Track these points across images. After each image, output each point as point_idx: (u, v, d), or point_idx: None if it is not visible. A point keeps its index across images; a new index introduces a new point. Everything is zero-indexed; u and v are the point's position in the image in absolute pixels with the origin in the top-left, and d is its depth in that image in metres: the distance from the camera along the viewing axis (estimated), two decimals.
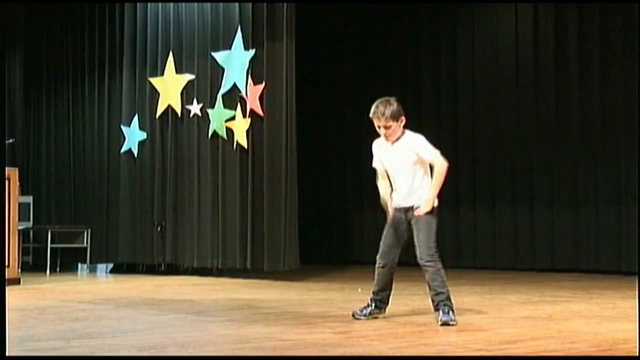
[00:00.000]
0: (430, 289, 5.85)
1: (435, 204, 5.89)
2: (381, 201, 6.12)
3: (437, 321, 5.69)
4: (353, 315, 6.05)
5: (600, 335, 5.21)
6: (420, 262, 5.85)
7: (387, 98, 5.94)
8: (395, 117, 5.86)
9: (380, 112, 5.85)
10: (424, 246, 5.82)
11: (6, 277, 6.88)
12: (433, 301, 5.84)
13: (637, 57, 8.40)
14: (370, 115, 5.91)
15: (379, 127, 5.91)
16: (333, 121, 13.69)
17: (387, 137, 5.93)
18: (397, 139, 5.92)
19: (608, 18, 10.88)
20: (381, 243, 6.04)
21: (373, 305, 6.03)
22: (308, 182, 12.94)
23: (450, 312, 5.72)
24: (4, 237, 7.73)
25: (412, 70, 12.93)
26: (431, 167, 5.94)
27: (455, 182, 11.99)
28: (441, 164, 5.86)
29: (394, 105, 5.87)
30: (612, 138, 10.84)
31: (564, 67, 11.30)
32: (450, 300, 5.79)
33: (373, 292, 6.05)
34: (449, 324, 5.62)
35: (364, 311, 6.03)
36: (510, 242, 11.74)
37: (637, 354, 4.26)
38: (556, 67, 11.39)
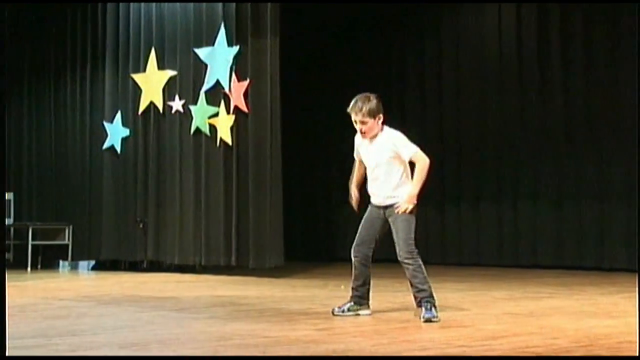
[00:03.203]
0: (412, 286, 5.85)
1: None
2: (349, 182, 6.14)
3: (420, 318, 5.70)
4: (332, 312, 6.05)
5: (581, 331, 5.24)
6: (400, 259, 5.85)
7: (367, 94, 5.92)
8: (372, 114, 5.83)
9: (358, 107, 5.84)
10: (403, 244, 5.82)
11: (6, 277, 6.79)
12: (416, 298, 5.85)
13: (638, 57, 8.40)
14: (348, 109, 5.90)
15: (355, 122, 5.89)
16: (317, 118, 13.68)
17: (362, 133, 5.91)
18: (375, 135, 5.91)
19: (590, 17, 10.92)
20: (356, 237, 6.05)
21: (352, 301, 6.03)
22: (292, 179, 12.92)
23: (433, 309, 5.72)
24: (4, 237, 7.68)
25: (397, 69, 12.94)
26: (412, 165, 5.93)
27: (440, 179, 12.03)
28: (423, 161, 5.84)
29: (372, 102, 5.85)
30: (595, 136, 10.88)
31: (548, 65, 11.34)
32: (432, 297, 5.79)
33: (352, 288, 6.05)
34: (431, 321, 5.63)
35: (342, 307, 6.03)
36: (495, 239, 11.78)
37: (637, 354, 4.27)
38: (540, 65, 11.42)
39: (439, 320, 5.66)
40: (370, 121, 5.84)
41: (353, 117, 5.89)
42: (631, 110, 10.49)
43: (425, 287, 5.80)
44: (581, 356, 4.42)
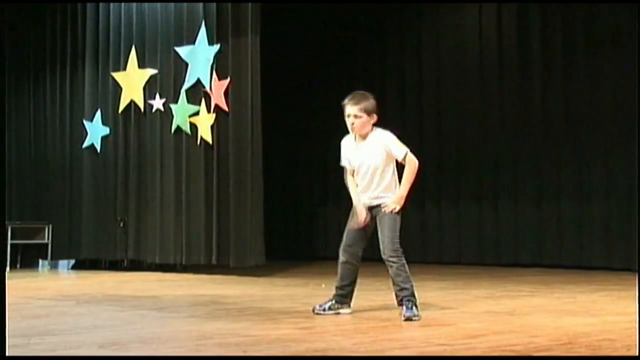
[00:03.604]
0: (394, 284, 5.86)
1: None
2: (355, 205, 5.94)
3: (401, 317, 5.71)
4: (313, 310, 6.05)
5: (561, 329, 5.26)
6: (384, 257, 5.85)
7: (366, 92, 5.95)
8: (367, 111, 5.84)
9: (355, 101, 5.86)
10: (388, 242, 5.82)
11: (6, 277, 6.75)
12: (397, 296, 5.85)
13: (638, 56, 8.44)
14: (344, 101, 5.89)
15: (349, 115, 5.87)
16: (298, 117, 13.68)
17: (353, 128, 5.89)
18: (366, 135, 5.91)
19: (570, 17, 10.98)
20: (344, 236, 6.04)
21: (333, 300, 6.03)
22: (273, 178, 12.93)
23: (414, 308, 5.74)
24: (4, 238, 7.61)
25: (377, 69, 12.97)
26: (400, 166, 5.94)
27: (420, 178, 11.96)
28: (413, 163, 5.86)
29: (370, 100, 5.89)
30: (574, 135, 10.94)
31: (527, 65, 11.40)
32: (414, 296, 5.80)
33: (336, 287, 6.05)
34: (412, 320, 5.64)
35: (324, 306, 6.03)
36: (475, 237, 11.83)
37: (637, 354, 4.29)
38: (520, 65, 11.48)
39: (420, 319, 5.68)
40: (364, 117, 5.85)
41: (347, 111, 5.87)
42: (611, 109, 10.57)
43: (407, 285, 5.81)
44: (570, 355, 4.44)
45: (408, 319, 5.65)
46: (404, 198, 5.87)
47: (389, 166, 5.91)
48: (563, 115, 11.06)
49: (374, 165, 5.89)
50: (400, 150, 5.86)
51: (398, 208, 5.85)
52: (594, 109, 10.73)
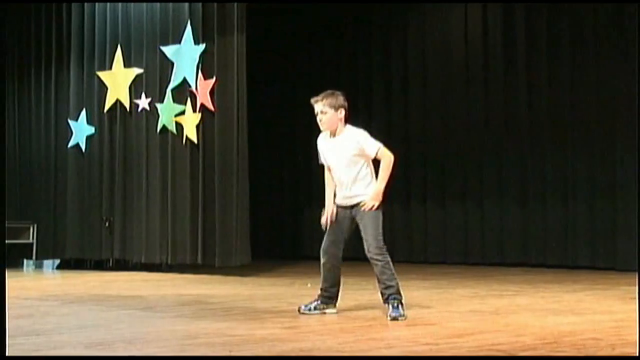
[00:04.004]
0: (379, 282, 5.87)
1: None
2: (326, 202, 6.05)
3: (387, 316, 5.71)
4: (299, 310, 6.05)
5: (546, 329, 5.28)
6: (369, 255, 5.86)
7: (335, 91, 5.99)
8: (333, 106, 5.89)
9: (320, 97, 5.94)
10: (372, 240, 5.83)
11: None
12: (383, 294, 5.86)
13: (637, 56, 8.48)
14: (311, 100, 5.96)
15: (317, 113, 5.95)
16: (284, 116, 13.68)
17: (321, 125, 5.96)
18: (338, 133, 5.94)
19: (555, 18, 11.03)
20: (324, 238, 6.04)
21: (319, 300, 6.04)
22: (259, 177, 12.92)
23: (400, 307, 5.74)
24: (4, 237, 7.55)
25: (363, 69, 12.97)
26: (376, 163, 5.95)
27: (406, 178, 12.09)
28: (388, 157, 5.88)
29: (336, 96, 5.94)
30: (559, 135, 10.98)
31: (513, 66, 11.43)
32: (399, 294, 5.81)
33: (321, 289, 6.06)
34: (397, 319, 5.65)
35: (309, 306, 6.04)
36: (461, 237, 11.85)
37: (637, 354, 4.30)
38: (505, 65, 11.51)
39: (406, 318, 5.69)
40: (330, 112, 5.90)
41: (315, 109, 5.95)
42: (595, 109, 10.62)
43: (392, 283, 5.82)
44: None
45: (394, 319, 5.65)
46: (381, 193, 5.86)
47: (363, 163, 5.92)
48: (548, 116, 11.10)
49: (346, 162, 5.92)
50: (372, 146, 5.89)
51: (377, 204, 5.84)
52: (578, 110, 10.78)
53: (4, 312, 4.24)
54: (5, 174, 7.93)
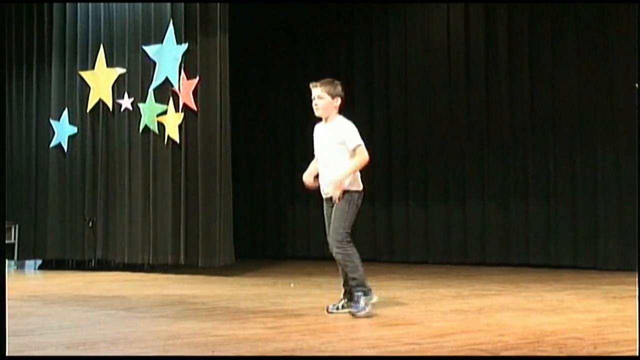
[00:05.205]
0: (342, 273, 5.92)
1: (346, 187, 5.85)
2: (306, 173, 6.18)
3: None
4: (327, 310, 6.03)
5: (528, 328, 5.30)
6: (329, 248, 5.89)
7: (334, 79, 6.14)
8: (330, 93, 5.97)
9: (320, 83, 6.03)
10: (333, 233, 5.87)
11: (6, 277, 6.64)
12: (346, 287, 5.91)
13: (637, 57, 8.51)
14: (310, 84, 6.04)
15: (314, 98, 6.00)
16: (267, 116, 13.66)
17: (316, 109, 6.01)
18: (330, 120, 6.01)
19: (536, 18, 11.07)
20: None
21: (345, 298, 6.03)
22: (242, 177, 12.90)
23: (361, 300, 5.75)
24: (4, 238, 7.50)
25: (344, 68, 12.94)
26: None
27: (387, 177, 12.11)
28: (362, 156, 5.91)
29: (335, 85, 6.04)
30: (540, 134, 11.02)
31: (494, 65, 11.46)
32: (364, 285, 5.83)
33: (343, 286, 6.05)
34: (355, 316, 5.67)
35: (337, 305, 6.03)
36: (443, 236, 11.87)
37: (637, 354, 4.32)
38: (486, 65, 11.54)
39: (368, 314, 5.70)
40: (326, 98, 5.97)
41: (312, 93, 6.01)
42: (577, 109, 10.67)
43: (355, 275, 5.82)
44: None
45: (353, 315, 5.69)
46: (340, 182, 5.83)
47: (345, 155, 5.91)
48: (529, 115, 11.14)
49: (328, 150, 5.97)
50: (353, 140, 5.92)
51: (338, 194, 5.82)
52: (560, 110, 10.82)
53: (4, 312, 4.23)
54: (5, 174, 7.88)
